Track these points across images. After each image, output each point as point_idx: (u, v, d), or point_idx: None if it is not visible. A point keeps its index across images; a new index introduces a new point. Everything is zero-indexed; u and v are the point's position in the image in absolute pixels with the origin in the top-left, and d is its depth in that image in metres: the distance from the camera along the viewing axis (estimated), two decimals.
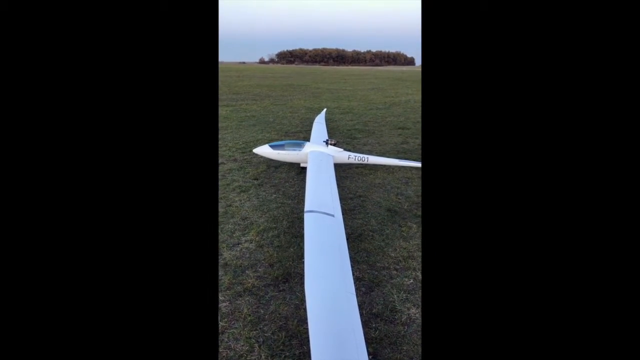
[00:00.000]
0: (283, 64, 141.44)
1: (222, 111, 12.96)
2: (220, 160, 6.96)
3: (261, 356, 2.43)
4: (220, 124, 10.47)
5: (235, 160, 7.08)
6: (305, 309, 2.90)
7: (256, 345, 2.53)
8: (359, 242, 4.00)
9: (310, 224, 3.19)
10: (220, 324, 2.72)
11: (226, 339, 2.57)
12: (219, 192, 5.33)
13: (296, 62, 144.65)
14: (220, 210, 4.73)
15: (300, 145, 6.29)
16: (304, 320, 2.77)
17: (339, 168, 6.43)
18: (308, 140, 7.33)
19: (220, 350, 2.47)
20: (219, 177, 6.01)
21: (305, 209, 3.49)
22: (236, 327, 2.69)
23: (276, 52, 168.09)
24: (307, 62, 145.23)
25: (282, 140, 7.86)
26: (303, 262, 3.61)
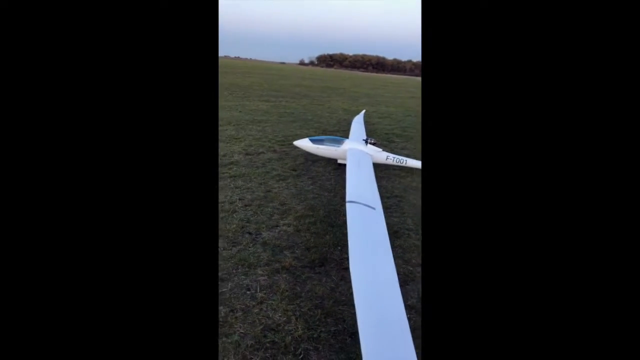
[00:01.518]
0: (322, 67, 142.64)
1: (262, 106, 13.31)
2: (260, 150, 7.18)
3: (298, 328, 2.51)
4: (260, 118, 10.78)
5: (274, 151, 7.27)
6: (340, 292, 2.97)
7: (293, 317, 2.61)
8: (394, 238, 4.01)
9: (352, 213, 3.24)
10: (260, 294, 2.84)
11: (264, 309, 2.68)
12: (258, 178, 5.51)
13: (335, 66, 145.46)
14: (260, 194, 4.90)
15: (339, 142, 6.38)
16: (339, 302, 2.83)
17: (377, 168, 6.44)
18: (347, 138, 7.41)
19: (260, 318, 2.58)
20: (259, 165, 6.21)
21: (347, 199, 3.56)
22: (274, 300, 2.79)
23: (316, 55, 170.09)
24: (346, 67, 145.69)
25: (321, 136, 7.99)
26: (339, 250, 3.68)
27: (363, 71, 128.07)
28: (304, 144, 6.56)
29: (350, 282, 2.18)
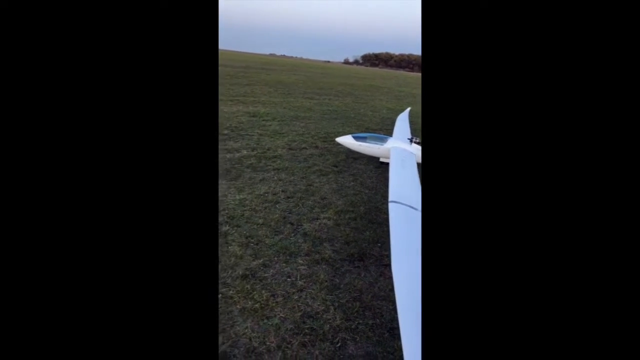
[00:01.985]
0: (367, 66, 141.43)
1: (306, 103, 13.50)
2: (302, 146, 7.30)
3: (336, 317, 2.55)
4: (303, 114, 10.94)
5: (316, 147, 7.36)
6: (379, 288, 2.96)
7: (332, 307, 2.66)
8: None
9: (395, 214, 3.21)
10: (300, 282, 2.91)
11: (304, 297, 2.75)
12: (300, 172, 5.62)
13: (380, 66, 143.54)
14: (302, 187, 5.00)
15: (383, 140, 6.32)
16: (378, 296, 2.83)
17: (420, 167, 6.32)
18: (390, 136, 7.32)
19: (299, 304, 2.65)
20: (301, 159, 6.32)
21: (390, 199, 3.53)
22: (313, 289, 2.85)
23: (361, 54, 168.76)
24: (391, 66, 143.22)
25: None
26: (379, 246, 3.67)
27: (409, 71, 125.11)
28: (347, 140, 6.58)
29: (389, 278, 2.18)
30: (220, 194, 4.50)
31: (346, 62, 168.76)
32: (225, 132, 7.67)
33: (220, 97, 12.42)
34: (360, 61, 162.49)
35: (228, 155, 6.06)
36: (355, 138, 6.51)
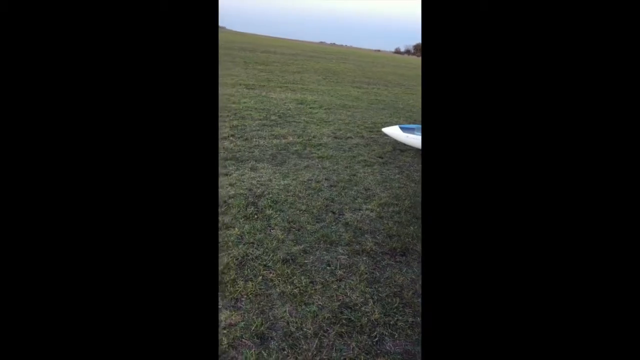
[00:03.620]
0: (418, 55, 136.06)
1: (354, 92, 13.30)
2: (348, 135, 7.21)
3: (374, 311, 2.49)
4: (351, 103, 10.79)
5: (362, 137, 7.22)
6: (421, 285, 2.85)
7: (371, 300, 2.60)
8: None
9: None
10: (339, 272, 2.88)
11: (343, 287, 2.72)
12: (345, 161, 5.54)
13: None
14: (345, 177, 4.94)
15: None
16: (419, 294, 2.72)
17: None
18: None
19: (337, 294, 2.63)
20: (346, 149, 6.24)
21: None
22: (352, 280, 2.81)
23: (413, 44, 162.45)
24: None
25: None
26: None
27: None
28: (394, 131, 6.37)
29: None
30: (265, 178, 4.58)
31: (397, 51, 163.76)
32: (273, 118, 7.78)
33: (269, 83, 12.63)
34: (412, 51, 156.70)
35: (275, 141, 6.14)
36: (403, 129, 6.29)
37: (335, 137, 6.92)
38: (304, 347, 2.17)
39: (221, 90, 10.06)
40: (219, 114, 7.44)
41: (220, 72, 12.23)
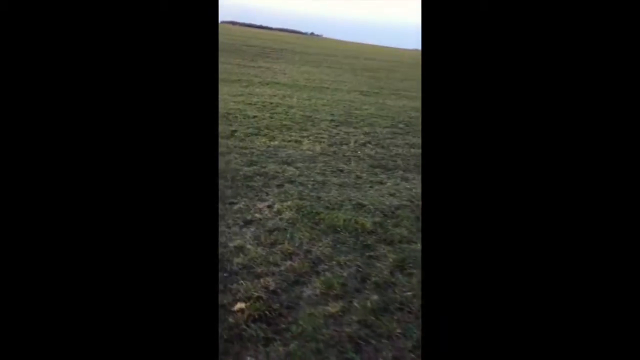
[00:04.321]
0: None
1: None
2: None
3: None
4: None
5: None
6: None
7: None
8: None
9: None
10: None
11: None
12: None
13: None
14: None
15: None
16: None
17: None
18: None
19: None
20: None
21: None
22: None
23: None
24: None
25: None
26: None
27: None
28: None
29: None
30: (419, 190, 4.42)
31: None
32: (401, 126, 7.67)
33: (382, 90, 12.60)
34: None
35: (412, 151, 5.98)
36: None
37: None
38: None
39: (340, 96, 10.35)
40: (349, 120, 7.61)
41: (332, 79, 12.66)
